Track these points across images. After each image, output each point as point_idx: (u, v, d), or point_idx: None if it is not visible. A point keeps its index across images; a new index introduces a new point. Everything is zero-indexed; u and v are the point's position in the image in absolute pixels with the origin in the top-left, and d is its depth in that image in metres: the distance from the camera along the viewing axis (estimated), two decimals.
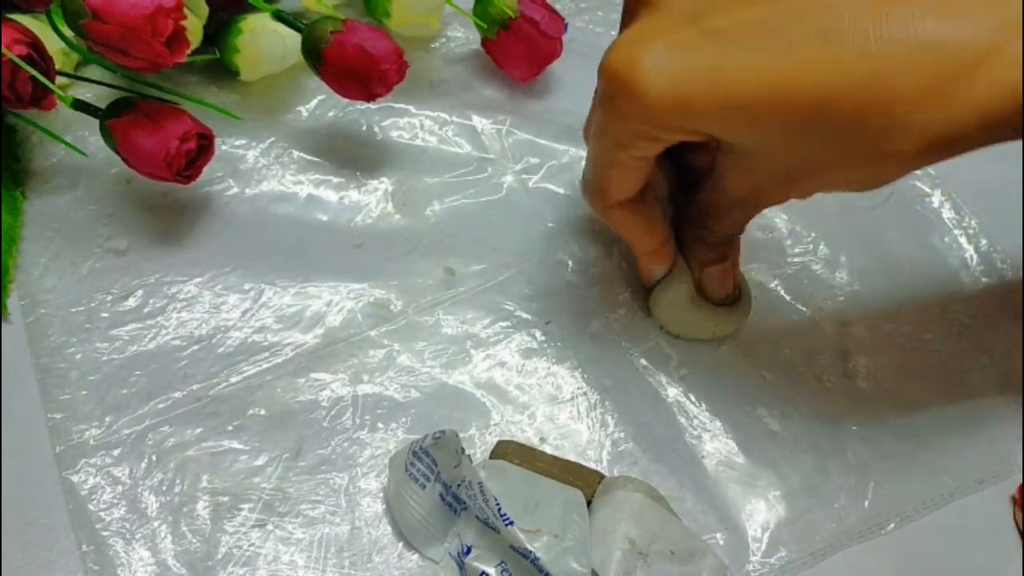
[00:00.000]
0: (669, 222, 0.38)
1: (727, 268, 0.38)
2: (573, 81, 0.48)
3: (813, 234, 0.43)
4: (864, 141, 0.28)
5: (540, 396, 0.38)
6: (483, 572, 0.31)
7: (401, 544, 0.34)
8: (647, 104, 0.29)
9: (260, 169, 0.43)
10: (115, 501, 0.34)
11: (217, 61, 0.44)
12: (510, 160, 0.44)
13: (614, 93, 0.30)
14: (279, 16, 0.41)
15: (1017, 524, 0.36)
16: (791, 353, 0.40)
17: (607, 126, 0.32)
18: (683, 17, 0.30)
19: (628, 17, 0.32)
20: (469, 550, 0.32)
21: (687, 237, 0.38)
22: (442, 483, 0.32)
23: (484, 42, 0.46)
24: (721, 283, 0.38)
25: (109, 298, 0.39)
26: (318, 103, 0.45)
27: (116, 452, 0.35)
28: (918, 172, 0.45)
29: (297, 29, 0.41)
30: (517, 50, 0.45)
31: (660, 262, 0.38)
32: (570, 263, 0.42)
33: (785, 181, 0.32)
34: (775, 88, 0.28)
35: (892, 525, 0.36)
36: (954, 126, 0.27)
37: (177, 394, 0.36)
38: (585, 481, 0.34)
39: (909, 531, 0.36)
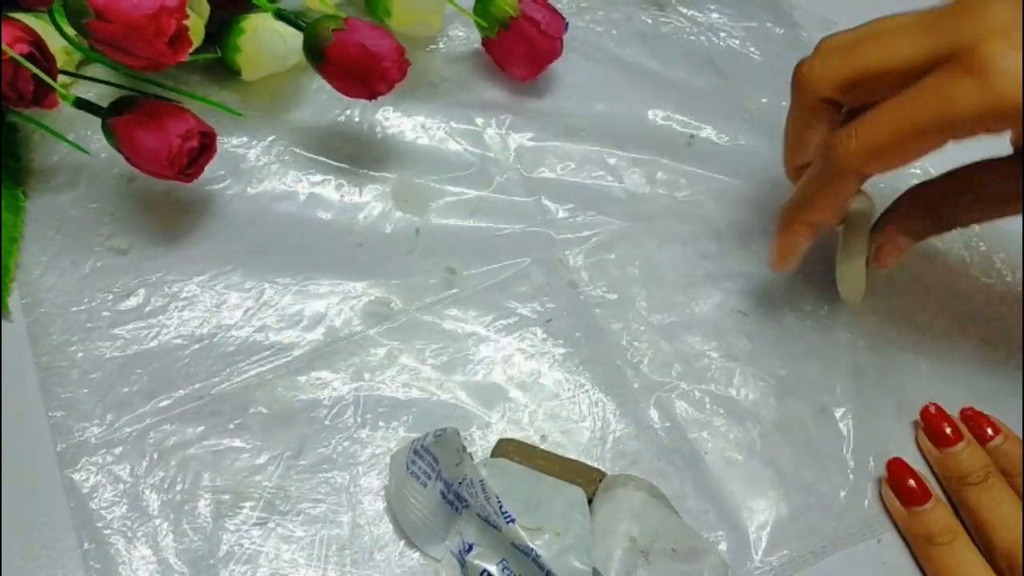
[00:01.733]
0: None
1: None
2: (574, 80, 0.48)
3: None
4: None
5: (541, 394, 0.38)
6: (484, 570, 0.31)
7: (403, 542, 0.34)
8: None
9: (261, 168, 0.43)
10: (116, 499, 0.34)
11: (219, 60, 0.44)
12: (511, 159, 0.44)
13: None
14: (280, 15, 0.41)
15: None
16: (791, 351, 0.40)
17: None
18: None
19: None
20: (471, 548, 0.32)
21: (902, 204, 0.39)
22: (443, 481, 0.32)
23: (485, 41, 0.46)
24: (897, 257, 0.39)
25: (110, 297, 0.39)
26: (319, 102, 0.45)
27: (117, 450, 0.35)
28: (917, 171, 0.45)
29: (299, 28, 0.41)
30: (518, 49, 0.45)
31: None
32: (571, 261, 0.42)
33: None
34: None
35: (893, 524, 0.36)
36: None
37: (178, 392, 0.36)
38: (586, 479, 0.34)
39: None
